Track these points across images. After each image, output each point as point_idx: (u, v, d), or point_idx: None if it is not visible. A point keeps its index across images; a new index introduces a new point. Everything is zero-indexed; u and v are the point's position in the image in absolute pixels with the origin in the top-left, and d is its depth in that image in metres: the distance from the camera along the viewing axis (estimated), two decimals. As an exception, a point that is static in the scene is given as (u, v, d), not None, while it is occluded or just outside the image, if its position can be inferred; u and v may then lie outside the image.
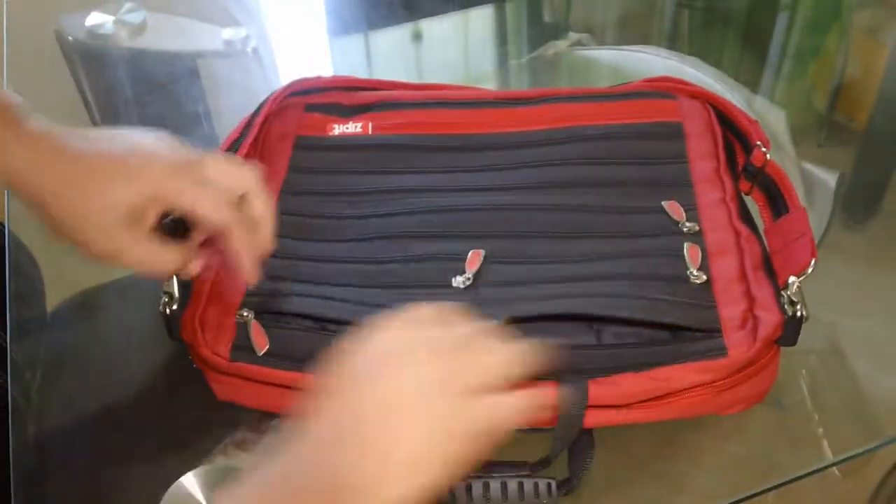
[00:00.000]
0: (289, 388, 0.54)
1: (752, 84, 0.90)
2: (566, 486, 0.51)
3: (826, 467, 0.57)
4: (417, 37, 1.02)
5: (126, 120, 0.88)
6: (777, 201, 0.62)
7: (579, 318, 0.55)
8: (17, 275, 0.68)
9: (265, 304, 0.58)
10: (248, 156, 0.67)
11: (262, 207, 0.56)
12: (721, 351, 0.53)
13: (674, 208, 0.62)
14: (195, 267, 0.56)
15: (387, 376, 0.42)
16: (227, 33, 0.92)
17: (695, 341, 0.53)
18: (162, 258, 0.54)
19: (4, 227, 0.72)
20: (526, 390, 0.44)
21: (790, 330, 0.54)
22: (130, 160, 0.52)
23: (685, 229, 0.61)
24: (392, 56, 1.01)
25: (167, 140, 0.55)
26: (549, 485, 0.51)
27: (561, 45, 0.97)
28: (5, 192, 0.56)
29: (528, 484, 0.51)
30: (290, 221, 0.64)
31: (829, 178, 0.77)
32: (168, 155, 0.53)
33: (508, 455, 0.52)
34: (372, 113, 0.73)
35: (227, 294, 0.59)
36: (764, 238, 0.60)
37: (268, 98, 0.72)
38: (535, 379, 0.46)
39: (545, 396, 0.47)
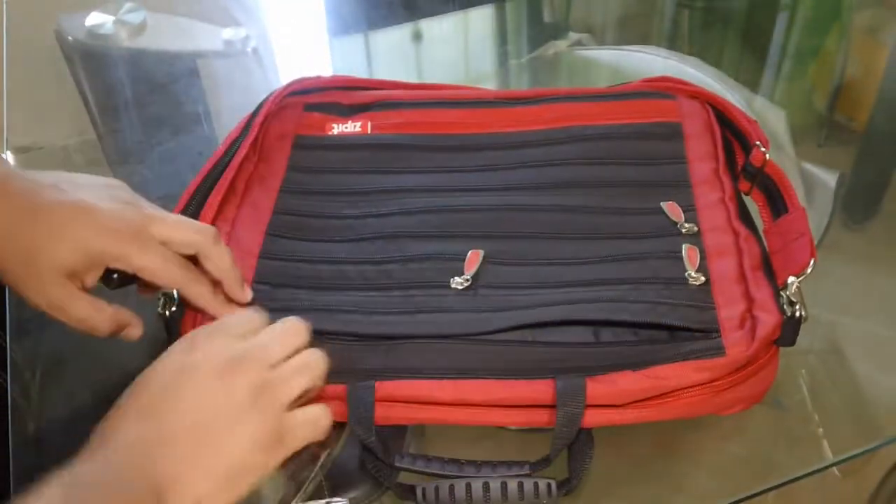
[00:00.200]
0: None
1: (752, 84, 0.90)
2: (566, 486, 0.51)
3: (826, 467, 0.57)
4: (417, 37, 1.02)
5: (126, 120, 0.88)
6: (776, 201, 0.62)
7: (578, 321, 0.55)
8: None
9: (265, 308, 0.57)
10: (247, 155, 0.67)
11: (217, 266, 0.55)
12: (719, 350, 0.53)
13: (672, 209, 0.62)
14: (136, 331, 0.56)
15: (192, 394, 0.44)
16: (227, 33, 0.92)
17: (693, 341, 0.53)
18: (99, 318, 0.53)
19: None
20: (322, 403, 0.48)
21: (789, 330, 0.54)
22: (77, 219, 0.51)
23: (684, 230, 0.61)
24: (392, 56, 1.01)
25: (120, 194, 0.54)
26: (548, 485, 0.51)
27: (561, 45, 0.97)
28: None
29: (528, 484, 0.51)
30: (289, 221, 0.64)
31: (829, 179, 0.77)
32: (115, 216, 0.52)
33: (508, 455, 0.52)
34: (371, 112, 0.73)
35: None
36: (763, 238, 0.60)
37: (267, 98, 0.72)
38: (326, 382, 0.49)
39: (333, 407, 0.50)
